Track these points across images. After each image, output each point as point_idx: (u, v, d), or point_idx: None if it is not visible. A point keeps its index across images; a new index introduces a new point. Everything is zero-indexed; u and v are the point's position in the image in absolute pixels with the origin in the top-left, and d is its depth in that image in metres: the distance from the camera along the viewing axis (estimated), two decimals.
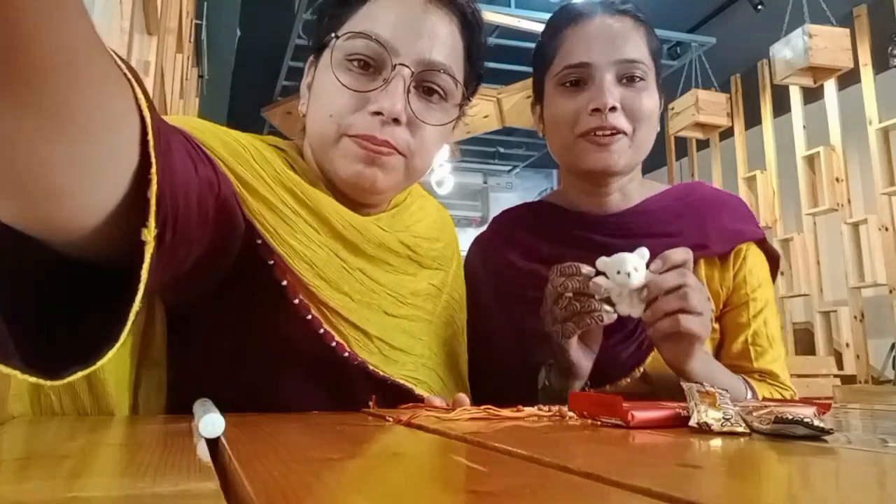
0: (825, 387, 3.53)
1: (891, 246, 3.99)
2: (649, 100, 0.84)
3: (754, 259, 0.89)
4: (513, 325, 0.89)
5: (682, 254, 0.69)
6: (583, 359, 0.74)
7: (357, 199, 0.68)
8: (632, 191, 0.90)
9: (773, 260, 0.93)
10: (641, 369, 0.83)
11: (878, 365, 4.17)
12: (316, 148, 0.67)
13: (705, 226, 0.87)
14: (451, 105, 0.69)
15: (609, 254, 0.69)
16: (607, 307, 0.68)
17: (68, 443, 0.42)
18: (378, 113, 0.62)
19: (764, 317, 0.88)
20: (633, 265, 0.67)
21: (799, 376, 3.62)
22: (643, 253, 0.68)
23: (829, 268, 4.62)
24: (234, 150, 0.61)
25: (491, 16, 3.96)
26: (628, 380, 0.83)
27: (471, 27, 0.68)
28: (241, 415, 0.54)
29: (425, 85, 0.65)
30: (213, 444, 0.38)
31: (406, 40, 0.62)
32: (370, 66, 0.63)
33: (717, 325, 0.89)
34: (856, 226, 4.25)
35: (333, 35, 0.64)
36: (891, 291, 3.99)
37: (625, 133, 0.83)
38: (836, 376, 4.15)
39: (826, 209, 4.41)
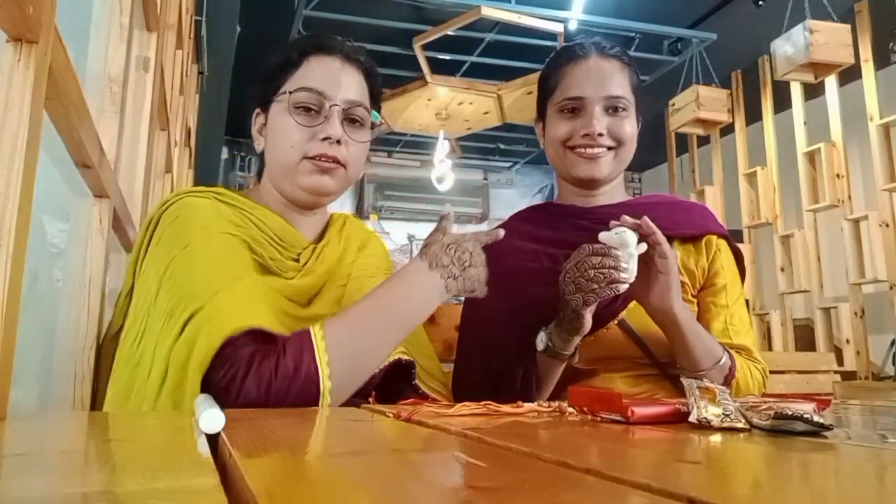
0: (825, 383, 3.53)
1: (891, 242, 3.98)
2: (629, 126, 1.07)
3: (726, 256, 1.10)
4: (511, 293, 1.04)
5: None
6: (590, 319, 0.93)
7: (312, 205, 0.93)
8: (614, 193, 1.13)
9: (739, 260, 1.12)
10: (616, 321, 1.02)
11: (878, 361, 4.16)
12: (279, 173, 0.91)
13: (675, 217, 1.09)
14: (366, 128, 0.95)
15: (593, 236, 0.91)
16: (623, 276, 0.87)
17: (69, 438, 0.42)
18: (327, 138, 0.88)
19: (739, 304, 1.08)
20: (627, 233, 0.90)
21: (799, 372, 3.61)
22: (634, 234, 0.90)
23: (830, 264, 4.62)
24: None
25: (492, 12, 3.95)
26: (606, 329, 1.02)
27: (371, 75, 0.97)
28: (241, 410, 0.54)
29: (350, 116, 0.92)
30: (213, 439, 0.38)
31: (334, 89, 0.90)
32: (312, 110, 0.89)
33: (695, 306, 1.08)
34: (856, 222, 4.24)
35: (284, 91, 0.90)
36: (891, 287, 3.98)
37: (610, 148, 1.06)
38: (836, 372, 4.14)
39: (826, 205, 4.39)
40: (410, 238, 5.87)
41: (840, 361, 4.26)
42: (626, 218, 0.91)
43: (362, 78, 0.95)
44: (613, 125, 1.06)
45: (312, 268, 0.91)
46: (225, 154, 6.72)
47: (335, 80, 0.91)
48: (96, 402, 0.91)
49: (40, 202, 1.10)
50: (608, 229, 0.92)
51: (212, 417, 0.38)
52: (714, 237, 1.10)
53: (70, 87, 0.71)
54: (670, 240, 0.99)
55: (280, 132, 0.90)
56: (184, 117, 2.85)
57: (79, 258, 0.99)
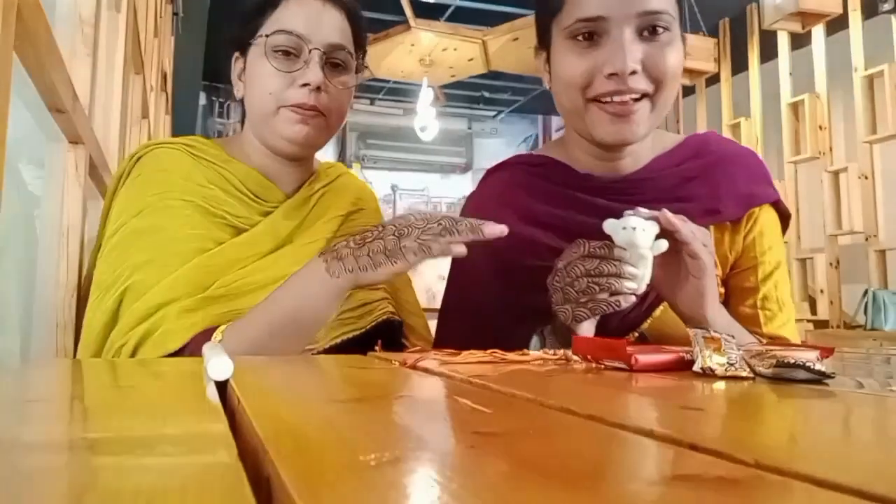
0: (799, 331, 3.63)
1: (869, 194, 4.04)
2: (674, 55, 0.75)
3: (766, 220, 0.85)
4: (508, 295, 0.85)
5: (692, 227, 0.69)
6: (589, 332, 0.71)
7: (294, 155, 0.88)
8: (643, 150, 0.84)
9: (785, 219, 0.88)
10: (636, 334, 0.81)
11: (850, 311, 4.28)
12: (258, 122, 0.87)
13: (719, 189, 0.82)
14: (350, 72, 0.89)
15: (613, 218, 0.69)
16: (629, 286, 0.67)
17: (79, 385, 0.42)
18: (306, 84, 0.83)
19: (774, 280, 0.84)
20: (641, 225, 0.66)
21: None
22: (653, 224, 0.67)
23: (808, 215, 4.68)
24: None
25: None
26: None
27: (355, 16, 0.90)
28: (248, 358, 0.54)
29: (332, 61, 0.86)
30: (221, 386, 0.38)
31: (314, 31, 0.84)
32: (291, 54, 0.84)
33: (722, 289, 0.86)
34: (836, 174, 4.29)
35: (261, 34, 0.85)
36: (867, 239, 4.07)
37: (646, 95, 0.75)
38: (809, 321, 4.27)
39: (808, 157, 4.43)
40: (394, 188, 5.84)
41: (813, 311, 4.38)
42: (642, 210, 0.68)
43: (345, 19, 0.89)
44: (652, 55, 0.74)
45: (273, 221, 0.86)
46: (203, 100, 6.55)
47: (315, 21, 0.85)
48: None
49: (15, 148, 1.06)
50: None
51: (220, 364, 0.37)
52: (757, 207, 0.84)
53: (40, 28, 0.68)
54: (707, 226, 0.76)
55: (258, 79, 0.85)
56: (159, 61, 2.76)
57: (56, 206, 0.97)
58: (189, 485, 0.19)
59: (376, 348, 0.63)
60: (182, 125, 4.90)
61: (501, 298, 0.85)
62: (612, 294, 0.67)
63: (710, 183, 0.83)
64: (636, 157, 0.84)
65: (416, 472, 0.22)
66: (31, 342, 0.93)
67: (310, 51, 0.84)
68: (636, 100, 0.74)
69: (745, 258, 0.85)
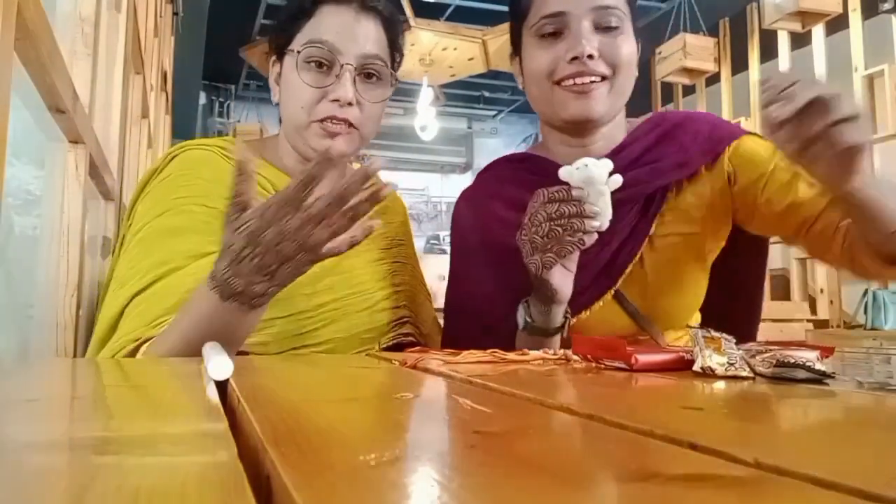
0: (799, 331, 3.63)
1: None
2: (627, 45, 0.85)
3: (748, 147, 0.87)
4: (500, 279, 0.89)
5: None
6: (563, 283, 0.76)
7: None
8: (615, 133, 0.91)
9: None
10: (613, 291, 0.85)
11: (850, 310, 4.28)
12: (291, 131, 0.87)
13: (684, 142, 0.88)
14: (385, 83, 0.88)
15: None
16: (592, 224, 0.69)
17: (80, 384, 0.42)
18: (336, 100, 0.82)
19: (796, 178, 0.81)
20: (593, 162, 0.70)
21: (773, 321, 3.71)
22: (606, 162, 0.72)
23: None
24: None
25: None
26: (601, 303, 0.86)
27: (391, 23, 0.89)
28: (248, 358, 0.54)
29: (366, 71, 0.85)
30: (221, 386, 0.38)
31: (347, 43, 0.83)
32: (323, 66, 0.83)
33: (722, 243, 0.90)
34: None
35: (295, 45, 0.84)
36: None
37: (604, 78, 0.84)
38: (809, 321, 4.27)
39: None
40: (393, 187, 5.83)
41: (814, 310, 4.38)
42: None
43: (380, 27, 0.88)
44: (607, 45, 0.84)
45: None
46: (203, 99, 6.55)
47: (348, 32, 0.84)
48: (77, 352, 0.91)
49: (15, 148, 1.06)
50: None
51: (220, 364, 0.38)
52: (730, 146, 0.87)
53: (40, 28, 0.68)
54: (680, 182, 0.85)
55: (291, 89, 0.85)
56: (159, 60, 2.75)
57: (56, 206, 0.96)
58: (189, 484, 0.19)
59: (376, 348, 0.63)
60: (182, 124, 4.90)
61: (501, 285, 0.88)
62: (572, 233, 0.70)
63: (676, 141, 0.89)
64: (608, 140, 0.90)
65: (417, 472, 0.22)
66: (31, 343, 0.93)
67: (342, 65, 0.83)
68: (596, 82, 0.84)
69: (757, 175, 0.85)
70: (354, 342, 0.85)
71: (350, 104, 0.82)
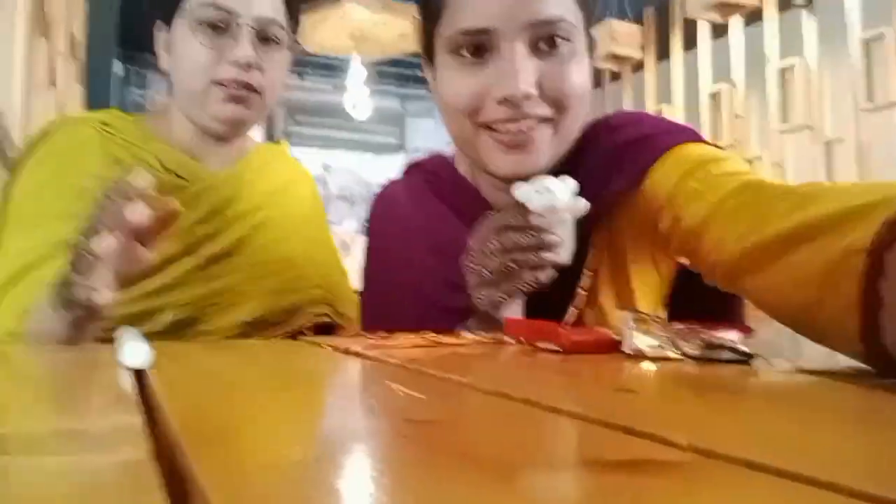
0: None
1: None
2: (577, 73, 0.62)
3: (669, 162, 0.65)
4: (416, 315, 0.71)
5: None
6: (512, 313, 0.61)
7: (224, 135, 0.83)
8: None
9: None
10: (576, 311, 0.68)
11: None
12: (186, 100, 0.81)
13: (608, 171, 0.67)
14: (283, 48, 0.83)
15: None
16: (550, 257, 0.56)
17: None
18: (236, 62, 0.77)
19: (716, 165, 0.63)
20: (557, 186, 0.57)
21: None
22: (570, 183, 0.58)
23: None
24: None
25: None
26: (570, 317, 0.68)
27: None
28: (169, 343, 0.51)
29: (263, 36, 0.80)
30: (140, 375, 0.35)
31: (242, 3, 0.78)
32: (219, 28, 0.78)
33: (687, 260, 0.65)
34: (750, 162, 4.51)
35: (185, 5, 0.78)
36: None
37: (547, 119, 0.62)
38: None
39: (724, 146, 4.63)
40: (326, 167, 5.71)
41: None
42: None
43: None
44: (550, 75, 0.61)
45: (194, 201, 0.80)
46: (119, 68, 6.18)
47: None
48: None
49: None
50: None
51: (135, 350, 0.35)
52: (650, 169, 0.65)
53: None
54: (610, 211, 0.65)
55: (184, 53, 0.80)
56: (68, 24, 2.57)
57: None
58: (92, 487, 0.17)
59: (305, 332, 0.61)
60: (96, 95, 4.60)
61: (413, 314, 0.72)
62: (532, 269, 0.56)
63: (598, 175, 0.67)
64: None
65: (345, 468, 0.21)
66: None
67: (238, 24, 0.78)
68: (532, 129, 0.62)
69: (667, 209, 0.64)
70: (263, 326, 0.81)
71: (250, 66, 0.78)
